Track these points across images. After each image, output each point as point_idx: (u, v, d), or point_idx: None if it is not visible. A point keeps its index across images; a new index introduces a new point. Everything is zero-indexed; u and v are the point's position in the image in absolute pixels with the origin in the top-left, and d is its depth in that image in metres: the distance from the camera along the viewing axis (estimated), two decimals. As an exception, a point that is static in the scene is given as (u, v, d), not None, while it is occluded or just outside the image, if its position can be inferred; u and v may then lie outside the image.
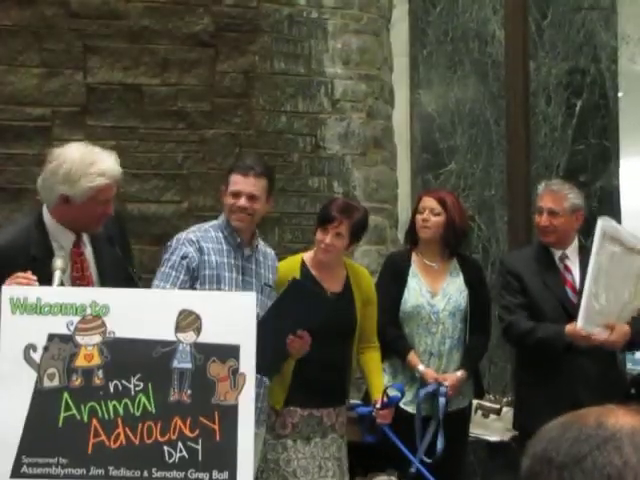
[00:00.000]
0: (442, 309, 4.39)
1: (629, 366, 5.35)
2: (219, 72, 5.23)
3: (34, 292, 2.95)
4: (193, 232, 3.82)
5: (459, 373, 4.36)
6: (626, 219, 6.81)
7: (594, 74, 6.84)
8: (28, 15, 4.95)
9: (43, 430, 2.87)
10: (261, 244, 3.95)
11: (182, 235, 3.81)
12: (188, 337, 2.95)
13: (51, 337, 2.91)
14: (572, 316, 4.16)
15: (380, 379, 4.18)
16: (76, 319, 2.92)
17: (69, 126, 4.96)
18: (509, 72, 5.71)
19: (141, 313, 2.98)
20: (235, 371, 2.95)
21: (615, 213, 6.81)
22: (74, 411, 2.89)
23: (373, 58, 5.71)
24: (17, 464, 2.84)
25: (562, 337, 4.16)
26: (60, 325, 2.92)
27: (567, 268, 4.40)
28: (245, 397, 2.95)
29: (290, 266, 4.05)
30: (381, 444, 4.07)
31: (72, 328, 2.92)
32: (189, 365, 2.94)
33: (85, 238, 3.42)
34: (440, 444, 4.20)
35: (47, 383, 2.89)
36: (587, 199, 4.99)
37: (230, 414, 2.93)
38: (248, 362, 2.97)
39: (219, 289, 3.69)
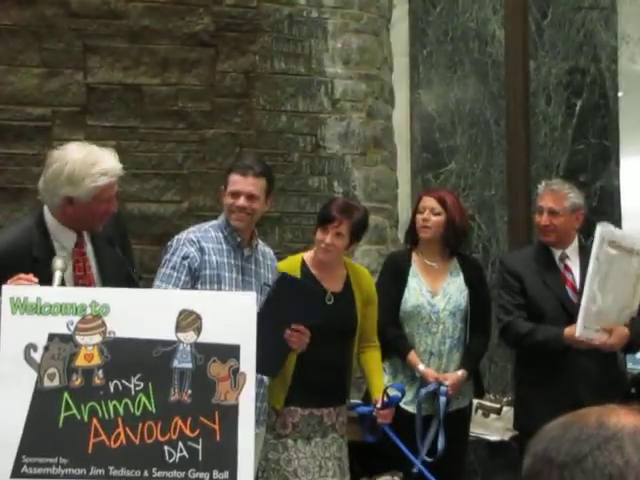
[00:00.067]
0: (442, 309, 4.39)
1: (630, 365, 5.34)
2: (219, 72, 5.24)
3: (34, 292, 2.95)
4: (193, 232, 3.81)
5: (459, 372, 4.36)
6: (626, 219, 6.81)
7: (594, 74, 6.84)
8: (28, 15, 4.96)
9: (43, 430, 2.87)
10: (260, 244, 3.95)
11: (182, 235, 3.81)
12: (188, 337, 2.95)
13: (51, 337, 2.91)
14: (572, 316, 4.16)
15: (380, 379, 4.18)
16: (76, 319, 2.92)
17: (69, 126, 4.96)
18: (509, 72, 5.71)
19: (141, 313, 2.97)
20: (235, 371, 2.95)
21: (615, 213, 6.81)
22: (74, 411, 2.89)
23: (373, 58, 5.72)
24: (17, 464, 2.84)
25: (560, 340, 4.16)
26: (60, 325, 2.92)
27: (567, 268, 4.40)
28: (245, 397, 2.95)
29: (290, 266, 4.05)
30: (381, 444, 4.07)
31: (72, 328, 2.92)
32: (189, 365, 2.94)
33: (86, 237, 3.43)
34: (441, 443, 4.20)
35: (47, 383, 2.89)
36: (587, 199, 4.99)
37: (230, 414, 2.93)
38: (248, 362, 2.97)
39: (219, 289, 3.68)
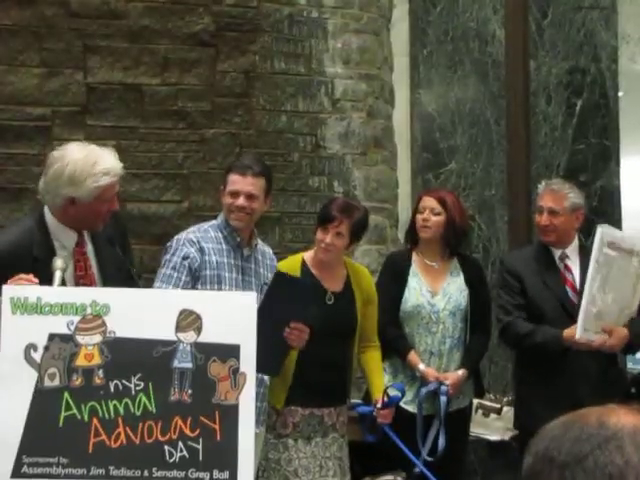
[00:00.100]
0: (442, 308, 4.39)
1: (629, 365, 5.34)
2: (219, 72, 5.24)
3: (34, 292, 2.95)
4: (193, 232, 3.81)
5: (460, 372, 4.36)
6: (626, 219, 6.81)
7: (594, 73, 6.84)
8: (28, 15, 4.96)
9: (43, 430, 2.87)
10: (259, 243, 3.95)
11: (182, 236, 3.81)
12: (189, 337, 2.95)
13: (51, 337, 2.91)
14: (572, 316, 4.16)
15: (381, 379, 4.18)
16: (76, 319, 2.92)
17: (69, 126, 4.97)
18: (509, 72, 5.71)
19: (141, 313, 2.97)
20: (236, 371, 2.95)
21: (615, 213, 6.82)
22: (74, 411, 2.88)
23: (373, 58, 5.72)
24: (18, 464, 2.84)
25: (560, 342, 4.16)
26: (60, 325, 2.92)
27: (567, 267, 4.40)
28: (245, 397, 2.94)
29: (290, 265, 4.05)
30: (381, 444, 4.07)
31: (72, 328, 2.92)
32: (190, 365, 2.94)
33: (86, 237, 3.43)
34: (441, 443, 4.20)
35: (47, 383, 2.89)
36: (587, 199, 4.99)
37: (231, 414, 2.92)
38: (248, 362, 2.96)
39: (220, 289, 3.68)
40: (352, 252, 4.64)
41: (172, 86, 5.14)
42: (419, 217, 4.42)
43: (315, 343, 3.66)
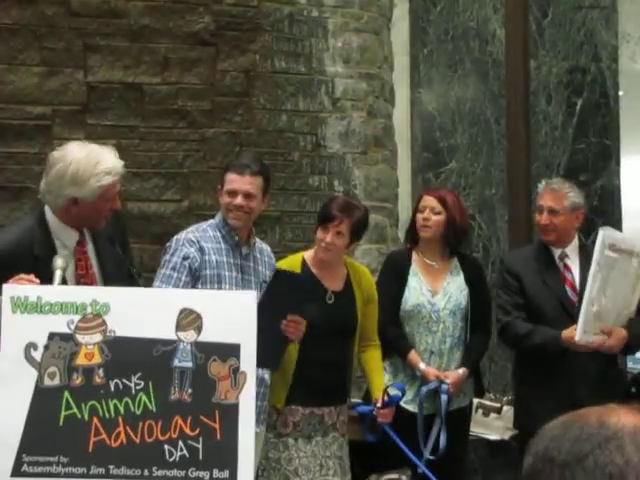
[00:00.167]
0: (442, 308, 4.39)
1: (629, 365, 5.34)
2: (220, 71, 5.23)
3: (34, 291, 2.95)
4: (192, 232, 3.81)
5: (460, 371, 4.36)
6: (627, 218, 6.82)
7: (595, 73, 6.84)
8: (28, 14, 4.95)
9: (44, 429, 2.87)
10: (257, 241, 3.96)
11: (181, 236, 3.80)
12: (189, 336, 2.95)
13: (52, 336, 2.91)
14: (571, 315, 4.16)
15: (381, 378, 4.18)
16: (77, 318, 2.92)
17: (69, 125, 4.96)
18: (509, 71, 5.71)
19: (142, 312, 2.97)
20: (236, 370, 2.95)
21: (615, 212, 6.82)
22: (75, 410, 2.88)
23: (374, 57, 5.71)
24: (18, 463, 2.84)
25: (558, 343, 4.16)
26: (61, 324, 2.92)
27: (567, 267, 4.40)
28: (246, 396, 2.94)
29: (291, 265, 4.05)
30: (382, 443, 4.07)
31: (73, 327, 2.92)
32: (190, 364, 2.94)
33: (87, 236, 3.43)
34: (442, 442, 4.21)
35: (48, 382, 2.89)
36: (588, 198, 4.99)
37: (231, 413, 2.92)
38: (249, 361, 2.96)
39: (220, 288, 3.69)
40: (352, 251, 4.64)
41: (172, 85, 5.14)
42: (419, 216, 4.42)
43: (315, 342, 3.66)
